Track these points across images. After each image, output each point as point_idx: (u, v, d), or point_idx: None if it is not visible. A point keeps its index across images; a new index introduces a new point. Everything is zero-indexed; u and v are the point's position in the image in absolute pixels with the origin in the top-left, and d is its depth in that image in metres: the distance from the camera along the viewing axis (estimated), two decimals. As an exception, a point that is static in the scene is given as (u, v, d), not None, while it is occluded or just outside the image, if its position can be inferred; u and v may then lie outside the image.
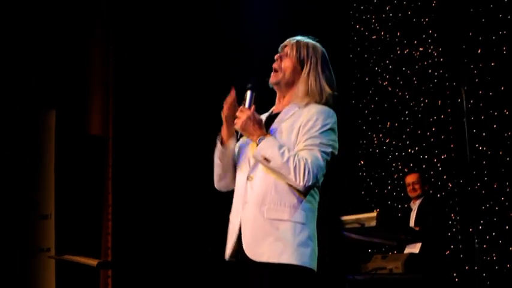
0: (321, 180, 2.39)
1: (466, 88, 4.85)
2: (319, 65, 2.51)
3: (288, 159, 2.31)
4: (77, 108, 6.52)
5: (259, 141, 2.38)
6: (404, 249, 5.26)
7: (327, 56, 2.58)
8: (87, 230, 6.10)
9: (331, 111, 2.47)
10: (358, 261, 5.17)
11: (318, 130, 2.38)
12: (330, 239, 5.19)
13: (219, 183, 2.62)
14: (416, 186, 5.48)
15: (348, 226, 4.88)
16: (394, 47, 6.74)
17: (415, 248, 5.18)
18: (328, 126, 2.41)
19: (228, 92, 2.59)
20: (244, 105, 2.50)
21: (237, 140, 2.58)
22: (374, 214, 4.80)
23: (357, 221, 4.83)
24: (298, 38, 2.58)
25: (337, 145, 2.44)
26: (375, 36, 6.93)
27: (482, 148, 5.80)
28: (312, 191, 2.41)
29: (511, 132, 5.66)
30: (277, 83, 2.53)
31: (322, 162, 2.35)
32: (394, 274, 4.79)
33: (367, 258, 5.14)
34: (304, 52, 2.51)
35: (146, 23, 6.72)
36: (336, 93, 2.54)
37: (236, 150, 2.57)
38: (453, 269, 5.71)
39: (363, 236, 4.98)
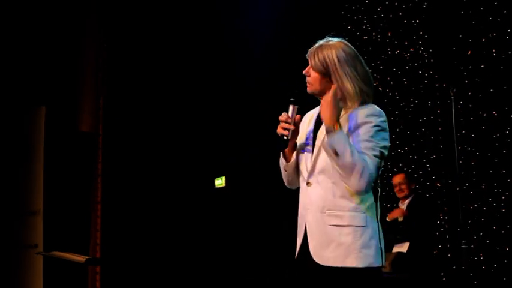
0: (372, 184, 2.41)
1: (455, 89, 4.88)
2: (344, 66, 2.46)
3: (356, 161, 2.31)
4: (67, 105, 6.50)
5: (331, 132, 2.36)
6: (392, 249, 5.29)
7: (352, 51, 2.52)
8: (76, 226, 6.09)
9: (377, 109, 2.46)
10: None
11: (370, 133, 2.39)
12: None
13: (289, 185, 2.69)
14: (403, 187, 5.50)
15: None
16: (385, 47, 6.76)
17: (403, 248, 5.20)
18: (379, 127, 2.41)
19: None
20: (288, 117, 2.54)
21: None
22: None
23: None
24: (319, 43, 2.56)
25: (388, 144, 2.45)
26: (366, 37, 6.95)
27: (471, 149, 5.83)
28: (368, 197, 2.43)
29: (499, 134, 5.70)
30: (313, 94, 2.54)
31: (377, 169, 2.37)
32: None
33: (355, 257, 5.14)
34: (322, 59, 2.48)
35: (137, 21, 6.72)
36: (371, 85, 2.52)
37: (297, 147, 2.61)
38: (441, 269, 5.74)
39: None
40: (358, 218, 2.39)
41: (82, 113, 6.63)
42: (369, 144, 2.37)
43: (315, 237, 2.42)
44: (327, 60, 2.46)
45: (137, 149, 6.54)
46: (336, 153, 2.33)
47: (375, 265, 2.37)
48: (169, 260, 6.34)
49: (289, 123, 2.49)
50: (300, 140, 2.59)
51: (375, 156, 2.36)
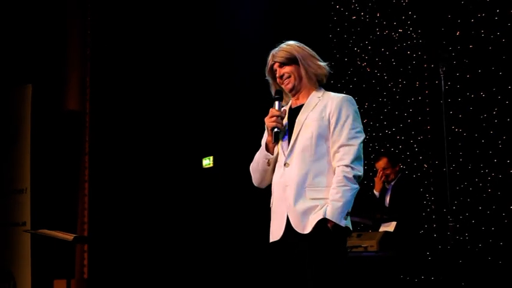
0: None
1: (444, 70, 4.89)
2: (307, 55, 2.94)
3: (343, 188, 2.74)
4: (54, 83, 6.45)
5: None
6: (379, 228, 5.33)
7: (301, 43, 3.00)
8: (63, 204, 6.07)
9: (349, 98, 2.90)
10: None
11: (347, 122, 2.82)
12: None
13: (261, 183, 2.99)
14: (387, 172, 5.51)
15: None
16: (373, 28, 6.75)
17: (389, 227, 5.24)
18: (353, 115, 2.85)
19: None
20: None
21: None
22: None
23: (333, 199, 4.86)
24: (273, 51, 2.97)
25: (362, 127, 2.91)
26: (354, 17, 6.93)
27: (458, 130, 5.86)
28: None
29: (486, 114, 5.73)
30: (293, 88, 2.95)
31: (360, 153, 2.84)
32: (368, 252, 4.86)
33: (343, 237, 5.18)
34: (288, 53, 2.92)
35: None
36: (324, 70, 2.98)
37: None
38: (426, 248, 5.80)
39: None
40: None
41: (69, 91, 6.58)
42: (351, 134, 2.83)
43: (295, 210, 2.72)
44: (297, 51, 2.92)
45: (124, 127, 6.51)
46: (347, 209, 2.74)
47: (342, 224, 2.70)
48: (157, 239, 6.35)
49: (281, 116, 2.87)
50: None
51: (358, 144, 2.85)
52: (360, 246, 4.88)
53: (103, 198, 6.28)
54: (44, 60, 6.36)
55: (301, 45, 2.97)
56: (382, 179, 5.52)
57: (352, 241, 4.97)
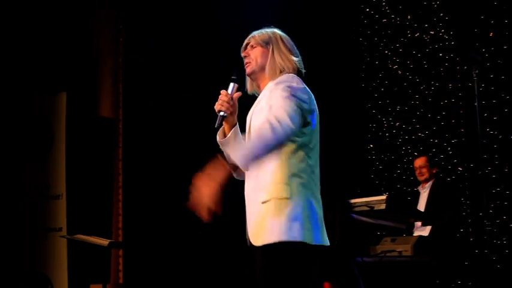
0: (296, 127, 2.40)
1: (477, 71, 4.83)
2: (280, 42, 2.67)
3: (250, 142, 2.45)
4: (88, 90, 6.54)
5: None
6: (413, 232, 5.27)
7: (283, 33, 2.74)
8: (98, 210, 6.15)
9: (289, 75, 2.57)
10: (367, 243, 5.18)
11: (276, 96, 2.47)
12: (339, 221, 5.21)
13: (234, 173, 2.67)
14: (424, 170, 5.48)
15: (357, 209, 4.89)
16: (404, 30, 6.70)
17: (424, 231, 5.19)
18: (287, 89, 2.47)
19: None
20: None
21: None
22: (383, 197, 4.81)
23: (366, 203, 4.84)
24: (254, 32, 2.75)
25: (302, 95, 2.48)
26: (385, 20, 6.89)
27: (494, 132, 5.78)
28: (300, 167, 2.44)
29: (522, 116, 5.65)
30: (253, 72, 2.67)
31: (286, 114, 2.38)
32: (403, 257, 4.81)
33: (376, 241, 5.16)
34: (264, 37, 2.68)
35: (156, 5, 6.71)
36: (299, 57, 2.69)
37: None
38: (462, 252, 5.72)
39: (372, 218, 4.99)
40: (282, 190, 2.40)
41: (102, 99, 6.67)
42: (277, 104, 2.44)
43: (249, 219, 2.51)
44: (270, 36, 2.68)
45: (157, 133, 6.56)
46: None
47: (302, 240, 2.37)
48: (191, 244, 6.38)
49: (227, 99, 2.59)
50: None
51: (286, 106, 2.41)
52: (394, 251, 4.83)
53: (137, 203, 6.33)
54: (78, 68, 6.46)
55: (283, 35, 2.72)
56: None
57: (386, 245, 4.93)
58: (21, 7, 6.13)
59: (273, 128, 2.34)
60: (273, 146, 2.36)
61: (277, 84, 2.52)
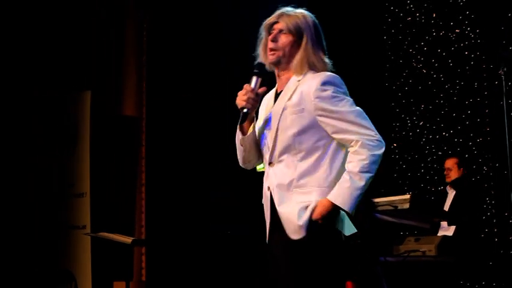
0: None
1: (505, 70, 4.75)
2: (314, 34, 2.43)
3: (358, 174, 2.36)
4: (112, 89, 6.60)
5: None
6: (438, 232, 5.22)
7: (318, 23, 2.49)
8: (122, 208, 6.20)
9: (332, 75, 2.41)
10: (391, 243, 5.14)
11: (338, 104, 2.36)
12: (362, 220, 5.18)
13: (244, 164, 2.63)
14: (451, 173, 5.41)
15: (380, 208, 4.86)
16: (429, 28, 6.64)
17: (448, 231, 5.13)
18: (342, 94, 2.39)
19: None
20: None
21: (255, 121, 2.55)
22: (407, 197, 4.78)
23: (389, 203, 4.81)
24: (285, 10, 2.48)
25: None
26: (409, 18, 6.83)
27: (520, 131, 5.69)
28: (340, 169, 2.39)
29: (549, 115, 5.54)
30: (278, 62, 2.45)
31: (369, 130, 2.40)
32: (427, 256, 4.77)
33: (400, 241, 5.12)
34: (296, 23, 2.42)
35: (180, 5, 6.74)
36: (327, 54, 2.49)
37: (257, 131, 2.53)
38: (487, 253, 5.65)
39: (396, 218, 4.95)
40: (326, 194, 2.34)
41: (126, 97, 6.72)
42: (347, 117, 2.38)
43: (284, 214, 2.37)
44: (305, 25, 2.41)
45: (180, 132, 6.59)
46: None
47: (339, 229, 2.35)
48: (214, 241, 6.40)
49: (253, 95, 2.42)
50: (260, 122, 2.52)
51: (359, 121, 2.41)
52: (418, 251, 4.79)
53: (160, 201, 6.37)
54: (102, 67, 6.52)
55: (316, 23, 2.47)
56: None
57: (409, 245, 4.89)
58: (48, 6, 6.20)
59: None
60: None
61: (324, 84, 2.36)
